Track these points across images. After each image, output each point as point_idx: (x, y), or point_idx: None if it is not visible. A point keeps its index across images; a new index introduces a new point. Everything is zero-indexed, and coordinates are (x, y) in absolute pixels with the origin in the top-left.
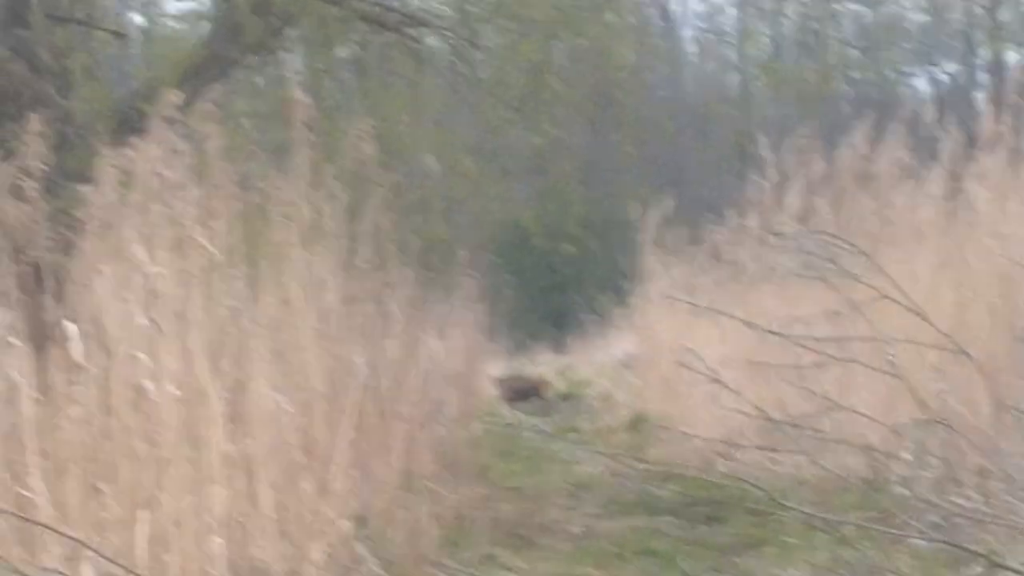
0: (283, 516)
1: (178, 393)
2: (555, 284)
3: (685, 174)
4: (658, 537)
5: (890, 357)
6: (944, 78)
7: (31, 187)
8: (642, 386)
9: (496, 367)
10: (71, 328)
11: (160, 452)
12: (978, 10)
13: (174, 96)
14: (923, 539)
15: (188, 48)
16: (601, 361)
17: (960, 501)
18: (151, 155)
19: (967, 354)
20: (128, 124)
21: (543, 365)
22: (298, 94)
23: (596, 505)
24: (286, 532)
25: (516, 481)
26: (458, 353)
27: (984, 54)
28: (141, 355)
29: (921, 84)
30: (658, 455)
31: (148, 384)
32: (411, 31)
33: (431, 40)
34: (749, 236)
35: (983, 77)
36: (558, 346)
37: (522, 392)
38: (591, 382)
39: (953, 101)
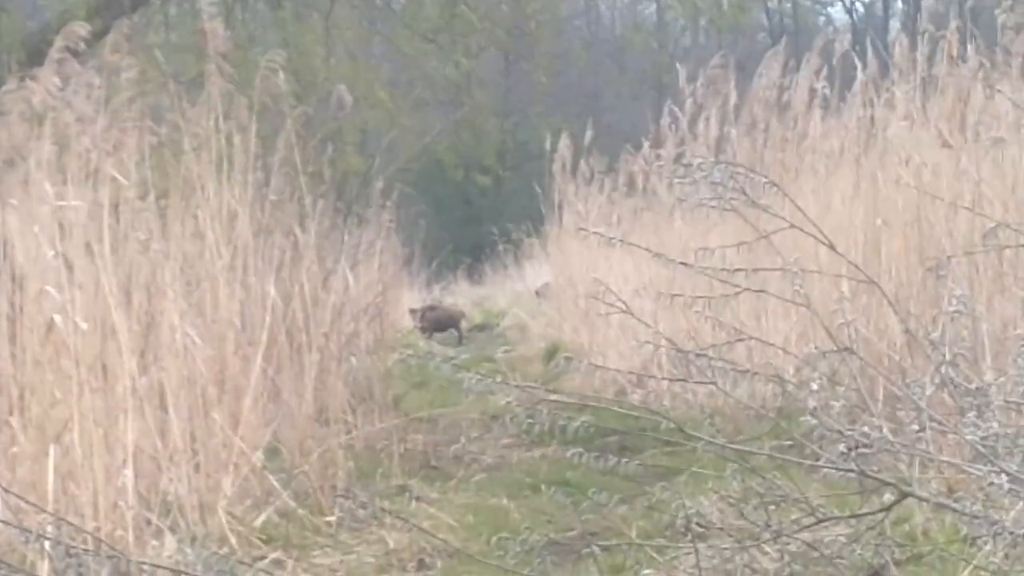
0: (195, 448)
1: (87, 327)
2: (471, 215)
3: (600, 104)
4: (570, 468)
5: (798, 288)
6: (860, 7)
7: None
8: (557, 317)
9: (413, 299)
10: None
11: (70, 385)
12: None
13: (82, 28)
14: (834, 468)
15: None
16: (517, 292)
17: (870, 431)
18: (59, 87)
19: (876, 284)
20: (40, 58)
21: (459, 296)
22: (214, 24)
23: (509, 436)
24: (198, 464)
25: (429, 412)
26: (373, 285)
27: None
28: (51, 289)
29: (837, 13)
30: (572, 386)
31: (58, 318)
32: None
33: None
34: (664, 166)
35: (898, 6)
36: (474, 277)
37: (438, 323)
38: (507, 313)
39: (868, 30)
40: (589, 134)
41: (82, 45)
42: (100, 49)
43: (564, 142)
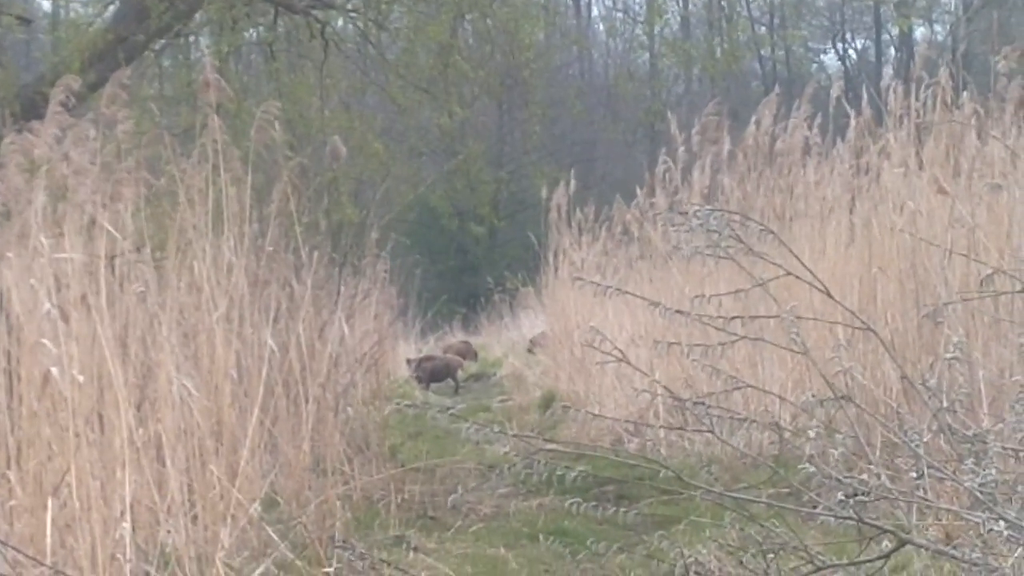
0: (192, 500)
1: (83, 379)
2: (465, 264)
3: (594, 153)
4: (568, 517)
5: (794, 335)
6: (852, 54)
7: None
8: (552, 365)
9: (409, 349)
10: None
11: (67, 438)
12: None
13: (74, 81)
14: (832, 516)
15: (94, 32)
16: (512, 341)
17: (868, 478)
18: (55, 140)
19: (873, 330)
20: (34, 109)
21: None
22: (210, 75)
23: (506, 485)
24: (195, 516)
25: (426, 462)
26: (369, 335)
27: (892, 29)
28: (47, 342)
29: (830, 60)
30: (568, 435)
31: (54, 370)
32: (318, 13)
33: (338, 22)
34: (658, 214)
35: (891, 53)
36: (470, 326)
37: (435, 373)
38: (502, 362)
39: (861, 77)
40: (573, 184)
41: (72, 100)
42: (95, 101)
43: (559, 191)
